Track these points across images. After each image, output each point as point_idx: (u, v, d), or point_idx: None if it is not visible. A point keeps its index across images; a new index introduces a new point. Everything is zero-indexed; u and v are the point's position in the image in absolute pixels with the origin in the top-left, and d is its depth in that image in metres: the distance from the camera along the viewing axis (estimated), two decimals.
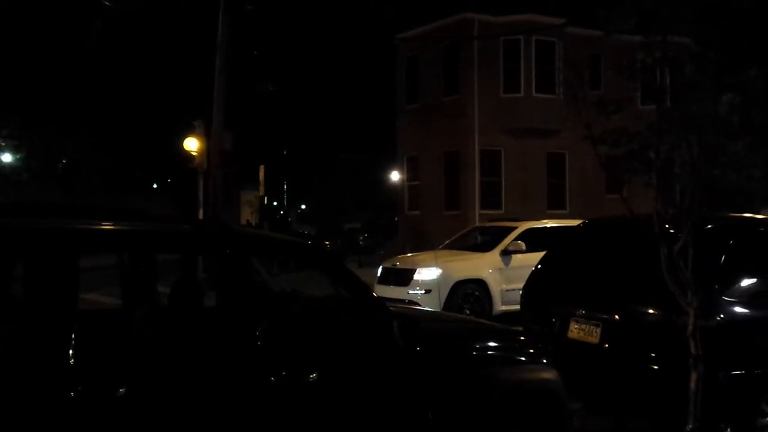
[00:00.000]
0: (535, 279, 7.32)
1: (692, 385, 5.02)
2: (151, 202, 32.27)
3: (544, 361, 5.00)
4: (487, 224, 15.81)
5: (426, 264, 12.76)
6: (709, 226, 5.83)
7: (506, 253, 12.81)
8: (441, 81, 24.66)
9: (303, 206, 57.63)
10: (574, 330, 6.23)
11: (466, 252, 13.76)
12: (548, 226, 13.82)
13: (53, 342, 3.39)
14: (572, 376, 5.10)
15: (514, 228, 13.47)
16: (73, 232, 3.65)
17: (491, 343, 4.97)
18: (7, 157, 31.58)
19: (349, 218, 42.34)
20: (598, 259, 6.73)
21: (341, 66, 40.56)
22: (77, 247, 3.63)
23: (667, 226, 5.18)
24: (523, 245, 12.78)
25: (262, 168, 22.98)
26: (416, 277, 12.44)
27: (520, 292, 7.21)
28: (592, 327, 6.08)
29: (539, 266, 7.37)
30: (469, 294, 12.43)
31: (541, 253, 12.88)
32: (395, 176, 29.16)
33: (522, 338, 5.33)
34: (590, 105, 5.28)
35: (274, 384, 3.94)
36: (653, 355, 5.66)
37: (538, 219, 15.22)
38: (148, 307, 4.43)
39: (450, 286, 12.29)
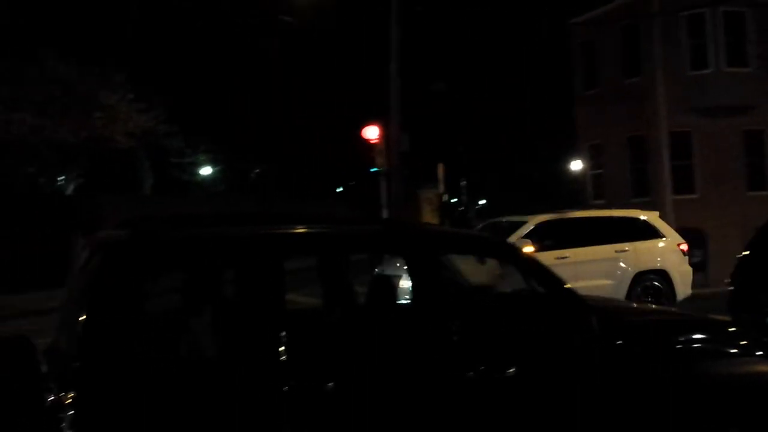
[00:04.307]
0: (744, 266, 6.82)
1: None
2: (334, 206, 33.54)
3: (759, 353, 4.65)
4: (503, 219, 13.67)
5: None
6: None
7: None
8: (620, 64, 23.62)
9: (482, 201, 57.43)
10: None
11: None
12: (567, 218, 12.23)
13: (266, 340, 3.61)
14: None
15: (524, 223, 11.88)
16: (280, 237, 3.87)
17: (699, 336, 4.70)
18: (207, 170, 34.12)
19: (530, 211, 41.54)
20: None
21: (512, 57, 40.03)
22: (285, 251, 3.84)
23: None
24: (530, 243, 10.78)
25: (441, 166, 23.18)
26: None
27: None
28: None
29: (748, 252, 6.86)
30: None
31: (555, 252, 10.65)
32: (577, 166, 28.31)
33: (732, 329, 4.99)
34: None
35: (472, 379, 3.96)
36: None
37: (736, 202, 14.10)
38: (346, 306, 4.61)
39: None
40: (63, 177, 26.02)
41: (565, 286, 4.52)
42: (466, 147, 41.07)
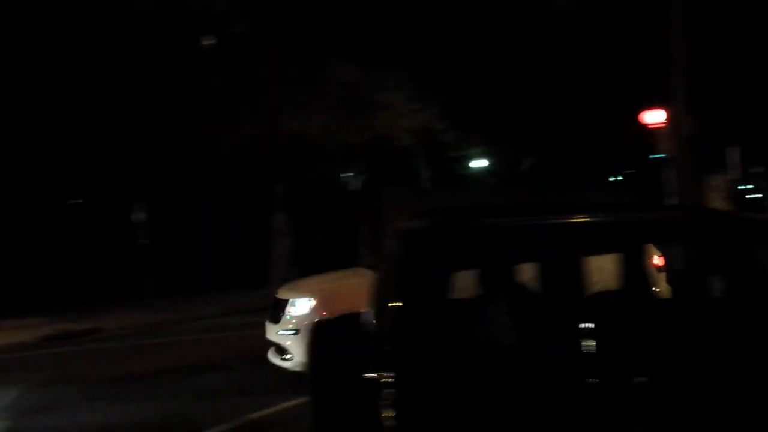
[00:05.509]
0: None
1: None
2: (615, 195, 32.29)
3: None
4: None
5: (301, 293, 9.33)
6: None
7: None
8: None
9: None
10: None
11: (368, 272, 8.75)
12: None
13: (570, 331, 3.55)
14: None
15: None
16: (580, 226, 3.80)
17: None
18: (479, 163, 34.70)
19: None
20: None
21: None
22: (585, 239, 3.76)
23: None
24: None
25: (734, 150, 21.16)
26: (288, 310, 9.17)
27: None
28: None
29: None
30: None
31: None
32: None
33: None
34: None
35: None
36: None
37: None
38: (650, 299, 4.39)
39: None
40: (350, 173, 28.03)
41: None
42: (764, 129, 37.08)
